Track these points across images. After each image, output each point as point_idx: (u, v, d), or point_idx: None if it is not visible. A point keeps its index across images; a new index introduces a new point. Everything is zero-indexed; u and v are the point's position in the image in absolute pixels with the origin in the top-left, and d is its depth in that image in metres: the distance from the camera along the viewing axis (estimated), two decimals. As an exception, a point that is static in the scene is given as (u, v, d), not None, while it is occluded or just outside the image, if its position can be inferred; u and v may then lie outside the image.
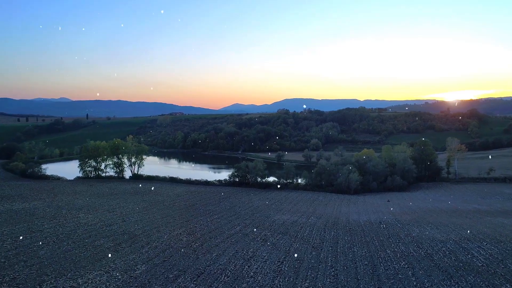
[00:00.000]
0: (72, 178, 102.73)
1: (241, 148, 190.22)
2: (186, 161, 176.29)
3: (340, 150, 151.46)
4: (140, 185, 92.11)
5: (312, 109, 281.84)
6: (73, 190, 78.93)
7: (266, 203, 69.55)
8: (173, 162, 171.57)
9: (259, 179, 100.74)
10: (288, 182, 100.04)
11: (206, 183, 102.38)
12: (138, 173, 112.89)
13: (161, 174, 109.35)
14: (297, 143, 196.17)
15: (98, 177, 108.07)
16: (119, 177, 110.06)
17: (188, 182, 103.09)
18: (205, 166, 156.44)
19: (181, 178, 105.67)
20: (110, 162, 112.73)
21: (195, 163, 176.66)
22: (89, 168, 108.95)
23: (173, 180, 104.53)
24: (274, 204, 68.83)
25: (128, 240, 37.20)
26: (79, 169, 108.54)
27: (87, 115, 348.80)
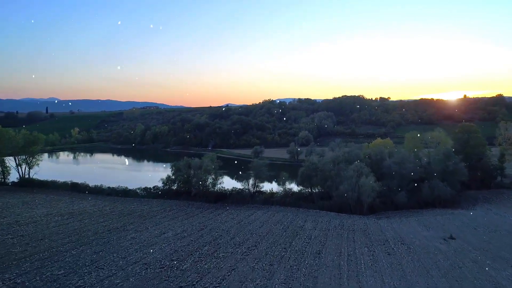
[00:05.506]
0: None
1: (210, 143, 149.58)
2: (138, 160, 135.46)
3: (338, 143, 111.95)
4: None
5: (303, 99, 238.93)
6: None
7: (177, 246, 29.85)
8: (116, 160, 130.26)
9: (210, 186, 61.53)
10: (256, 191, 60.68)
11: (124, 193, 64.03)
12: (30, 176, 73.76)
13: (75, 179, 71.44)
14: (282, 136, 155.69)
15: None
16: (-2, 183, 70.73)
17: (98, 191, 65.95)
18: (157, 166, 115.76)
19: (89, 185, 67.08)
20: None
21: (148, 161, 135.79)
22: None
23: (75, 188, 66.78)
24: (199, 248, 29.33)
25: None
26: None
27: (46, 108, 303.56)
